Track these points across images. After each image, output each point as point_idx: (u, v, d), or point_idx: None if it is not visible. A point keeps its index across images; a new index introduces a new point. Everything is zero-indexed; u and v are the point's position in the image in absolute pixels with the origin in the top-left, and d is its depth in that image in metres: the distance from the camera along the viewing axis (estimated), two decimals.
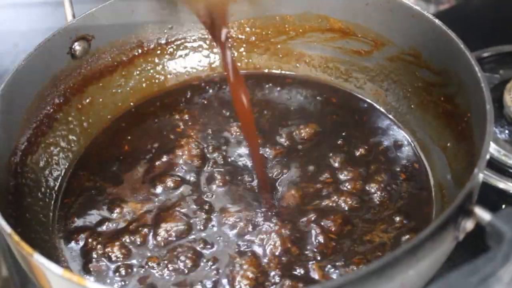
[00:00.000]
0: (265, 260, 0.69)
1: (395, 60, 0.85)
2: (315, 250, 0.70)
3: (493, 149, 0.85)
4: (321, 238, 0.70)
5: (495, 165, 0.84)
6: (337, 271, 0.67)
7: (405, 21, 0.81)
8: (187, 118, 0.87)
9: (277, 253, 0.69)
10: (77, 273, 0.70)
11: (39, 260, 0.56)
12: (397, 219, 0.72)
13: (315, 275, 0.67)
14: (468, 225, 0.57)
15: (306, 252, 0.69)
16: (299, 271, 0.68)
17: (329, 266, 0.68)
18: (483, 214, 0.55)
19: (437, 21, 0.76)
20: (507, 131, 0.88)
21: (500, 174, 0.83)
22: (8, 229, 0.60)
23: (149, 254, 0.71)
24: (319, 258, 0.69)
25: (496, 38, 1.03)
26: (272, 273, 0.67)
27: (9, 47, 1.15)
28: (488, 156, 0.61)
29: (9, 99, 0.73)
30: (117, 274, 0.69)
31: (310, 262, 0.68)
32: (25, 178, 0.76)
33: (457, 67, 0.73)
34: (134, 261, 0.70)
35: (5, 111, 0.73)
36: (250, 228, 0.72)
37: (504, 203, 0.83)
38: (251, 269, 0.68)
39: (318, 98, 0.90)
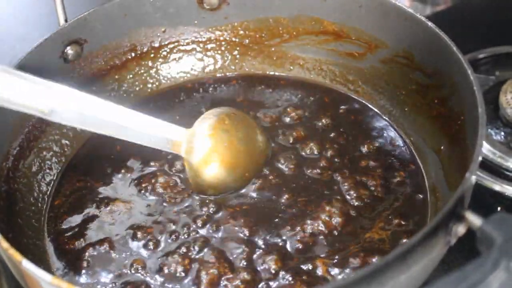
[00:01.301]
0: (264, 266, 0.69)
1: (388, 63, 0.85)
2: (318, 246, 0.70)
3: (488, 151, 0.85)
4: (321, 235, 0.71)
5: (490, 167, 0.84)
6: (337, 267, 0.68)
7: (398, 24, 0.80)
8: (179, 119, 0.87)
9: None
10: (67, 276, 0.70)
11: (28, 266, 0.56)
12: (395, 221, 0.72)
13: (319, 271, 0.68)
14: (460, 229, 0.57)
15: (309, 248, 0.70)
16: (306, 267, 0.68)
17: (331, 261, 0.68)
18: (474, 219, 0.54)
19: (430, 23, 0.76)
20: (502, 133, 0.88)
21: (496, 176, 0.83)
22: None
23: (136, 257, 0.71)
24: (322, 254, 0.69)
25: (492, 39, 1.02)
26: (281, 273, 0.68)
27: (6, 50, 1.15)
28: (480, 160, 0.61)
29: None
30: (107, 275, 0.69)
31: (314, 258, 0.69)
32: (17, 183, 0.76)
33: (450, 69, 0.73)
34: (123, 262, 0.70)
35: None
36: (246, 232, 0.72)
37: (500, 205, 0.83)
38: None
39: (311, 98, 0.89)
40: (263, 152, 0.80)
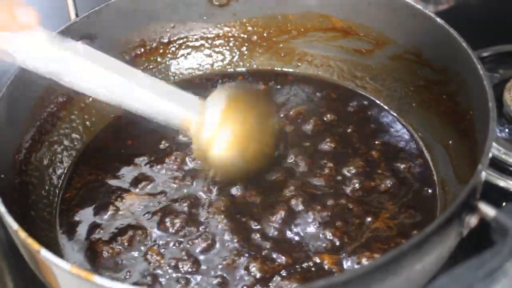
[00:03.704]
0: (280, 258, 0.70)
1: (396, 59, 0.86)
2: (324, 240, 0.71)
3: (493, 147, 0.85)
4: (328, 231, 0.71)
5: (495, 164, 0.85)
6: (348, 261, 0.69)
7: (406, 20, 0.81)
8: None
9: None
10: (81, 267, 0.70)
11: (46, 256, 0.57)
12: (403, 214, 0.73)
13: (325, 264, 0.69)
14: (472, 221, 0.58)
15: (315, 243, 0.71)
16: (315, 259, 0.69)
17: (340, 256, 0.69)
18: (488, 210, 0.55)
19: (438, 19, 0.76)
20: (507, 130, 0.89)
21: (501, 173, 0.84)
22: (15, 225, 0.60)
23: (149, 246, 0.72)
24: (329, 247, 0.70)
25: (495, 37, 1.03)
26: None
27: None
28: (491, 154, 0.62)
29: (13, 98, 0.73)
30: (120, 265, 0.70)
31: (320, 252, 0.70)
32: (29, 176, 0.77)
33: (458, 65, 0.74)
34: (136, 253, 0.71)
35: (10, 110, 0.73)
36: (255, 224, 0.73)
37: (505, 201, 0.84)
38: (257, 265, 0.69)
39: (319, 94, 0.90)
40: (272, 136, 0.77)
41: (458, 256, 0.64)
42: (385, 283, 0.53)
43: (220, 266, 0.69)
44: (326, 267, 0.68)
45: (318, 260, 0.69)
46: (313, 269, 0.68)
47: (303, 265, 0.69)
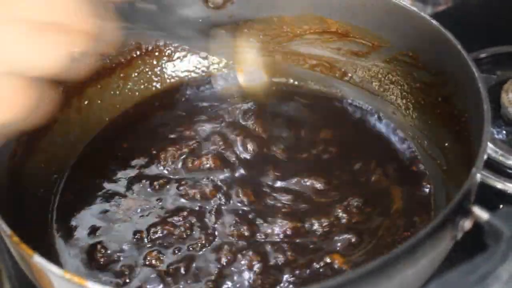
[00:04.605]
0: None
1: (392, 61, 0.85)
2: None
3: (490, 149, 0.85)
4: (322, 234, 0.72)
5: (492, 166, 0.85)
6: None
7: (402, 23, 0.81)
8: (185, 116, 0.88)
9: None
10: (78, 272, 0.70)
11: (39, 261, 0.57)
12: (398, 217, 0.73)
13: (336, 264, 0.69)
14: (466, 224, 0.57)
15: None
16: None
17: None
18: (482, 214, 0.55)
19: (434, 22, 0.76)
20: (504, 132, 0.89)
21: (498, 174, 0.84)
22: (8, 230, 0.60)
23: (148, 250, 0.71)
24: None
25: (493, 39, 1.03)
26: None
27: None
28: (486, 156, 0.62)
29: None
30: (119, 271, 0.70)
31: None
32: (25, 180, 0.76)
33: (454, 68, 0.74)
34: (134, 258, 0.71)
35: None
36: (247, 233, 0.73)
37: (502, 203, 0.84)
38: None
39: (315, 96, 0.90)
40: None
41: (453, 258, 0.64)
42: (378, 287, 0.53)
43: (219, 269, 0.69)
44: (336, 266, 0.68)
45: (328, 260, 0.69)
46: (321, 270, 0.68)
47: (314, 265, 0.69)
